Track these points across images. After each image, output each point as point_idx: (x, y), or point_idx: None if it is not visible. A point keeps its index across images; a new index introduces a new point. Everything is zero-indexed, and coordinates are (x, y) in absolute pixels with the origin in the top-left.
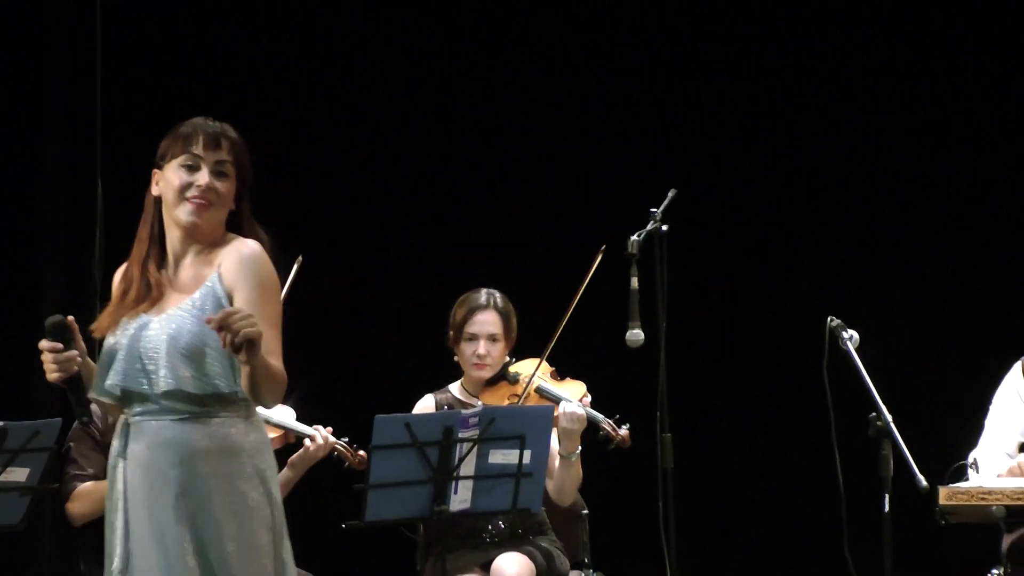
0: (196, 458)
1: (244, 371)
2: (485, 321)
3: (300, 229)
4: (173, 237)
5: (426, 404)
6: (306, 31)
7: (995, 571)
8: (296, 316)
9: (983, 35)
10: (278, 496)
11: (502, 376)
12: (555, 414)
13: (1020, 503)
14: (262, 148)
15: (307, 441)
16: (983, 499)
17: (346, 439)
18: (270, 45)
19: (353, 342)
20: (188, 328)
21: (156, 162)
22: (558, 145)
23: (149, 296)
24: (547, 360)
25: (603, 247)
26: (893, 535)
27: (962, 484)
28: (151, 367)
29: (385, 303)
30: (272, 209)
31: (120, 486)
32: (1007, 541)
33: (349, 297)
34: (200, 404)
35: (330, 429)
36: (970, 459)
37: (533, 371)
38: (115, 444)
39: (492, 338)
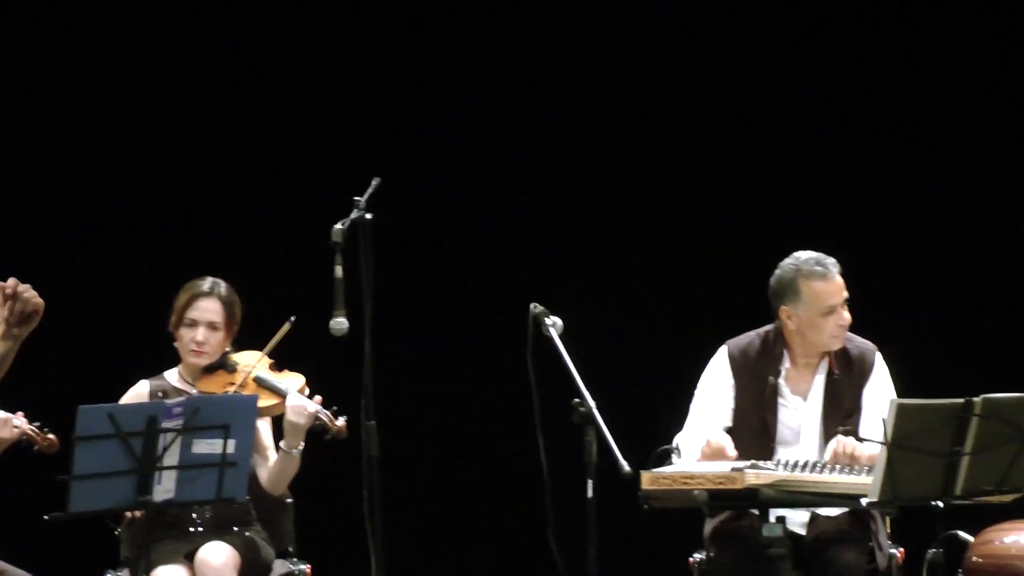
0: None
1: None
2: (206, 308)
3: (28, 216)
4: None
5: (140, 390)
6: None
7: (698, 555)
8: None
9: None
10: None
11: (220, 365)
12: (262, 404)
13: (722, 487)
14: None
15: None
16: (686, 483)
17: (37, 423)
18: None
19: (68, 328)
20: None
21: None
22: (279, 136)
23: None
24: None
25: (292, 318)
26: (597, 520)
27: (665, 469)
28: None
29: (110, 288)
30: None
31: None
32: (710, 525)
33: (73, 281)
34: None
35: (21, 414)
36: (674, 443)
37: (253, 362)
38: None
39: (212, 326)
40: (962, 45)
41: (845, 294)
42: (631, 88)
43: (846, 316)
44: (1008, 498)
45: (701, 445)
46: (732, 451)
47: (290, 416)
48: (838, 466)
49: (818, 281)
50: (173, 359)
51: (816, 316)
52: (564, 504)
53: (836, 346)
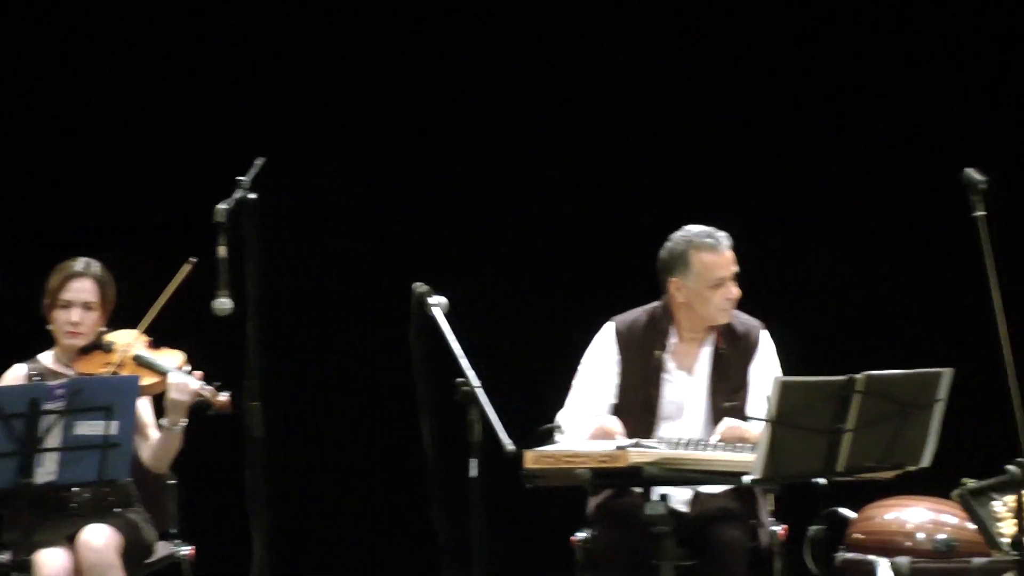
0: None
1: None
2: (80, 288)
3: None
4: None
5: (15, 374)
6: None
7: (581, 533)
8: None
9: None
10: None
11: (96, 345)
12: (144, 383)
13: (605, 466)
14: None
15: None
16: (569, 462)
17: None
18: None
19: None
20: None
21: None
22: (156, 112)
23: None
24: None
25: (191, 259)
26: (481, 499)
27: (548, 447)
28: None
29: None
30: None
31: None
32: (593, 503)
33: None
34: None
35: None
36: (556, 421)
37: (130, 340)
38: None
39: (87, 306)
40: (844, 36)
41: (735, 268)
42: (491, 67)
43: (735, 290)
44: (890, 474)
45: (589, 425)
46: (624, 440)
47: (173, 394)
48: (722, 443)
49: (708, 253)
50: (46, 342)
51: (705, 288)
52: (448, 483)
53: (724, 320)
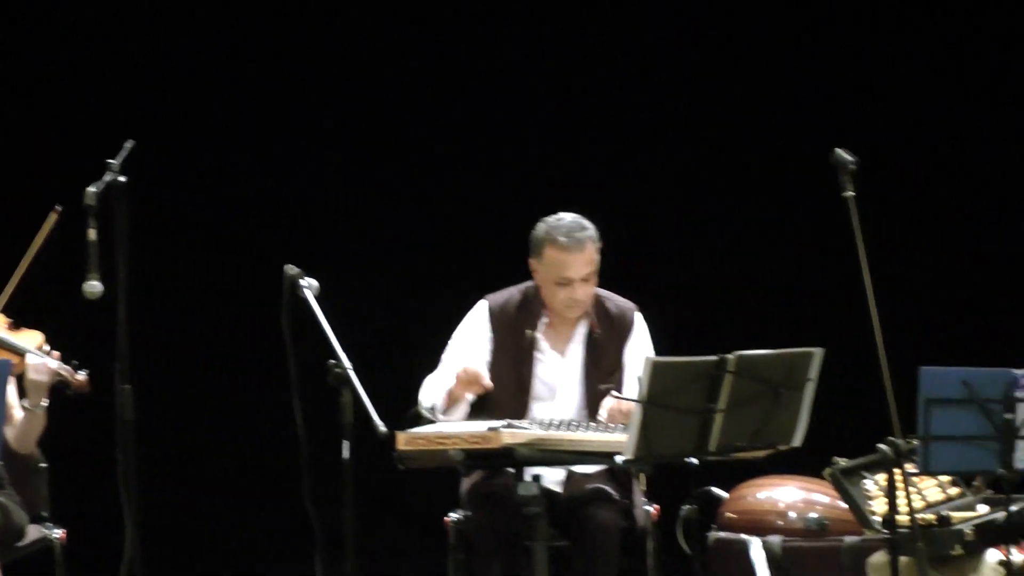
0: None
1: None
2: None
3: None
4: None
5: None
6: None
7: (454, 514)
8: None
9: None
10: None
11: None
12: (15, 364)
13: (477, 447)
14: None
15: None
16: (441, 443)
17: None
18: None
19: None
20: None
21: None
22: (21, 93)
23: None
24: (2, 311)
25: (57, 207)
26: (354, 481)
27: (421, 429)
28: None
29: None
30: None
31: None
32: (466, 484)
33: None
34: None
35: None
36: (428, 404)
37: None
38: None
39: None
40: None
41: (588, 268)
42: (354, 45)
43: (581, 292)
44: (761, 454)
45: (452, 381)
46: (488, 381)
47: (31, 375)
48: (594, 424)
49: (560, 251)
50: None
51: (550, 282)
52: (320, 465)
53: (570, 315)
